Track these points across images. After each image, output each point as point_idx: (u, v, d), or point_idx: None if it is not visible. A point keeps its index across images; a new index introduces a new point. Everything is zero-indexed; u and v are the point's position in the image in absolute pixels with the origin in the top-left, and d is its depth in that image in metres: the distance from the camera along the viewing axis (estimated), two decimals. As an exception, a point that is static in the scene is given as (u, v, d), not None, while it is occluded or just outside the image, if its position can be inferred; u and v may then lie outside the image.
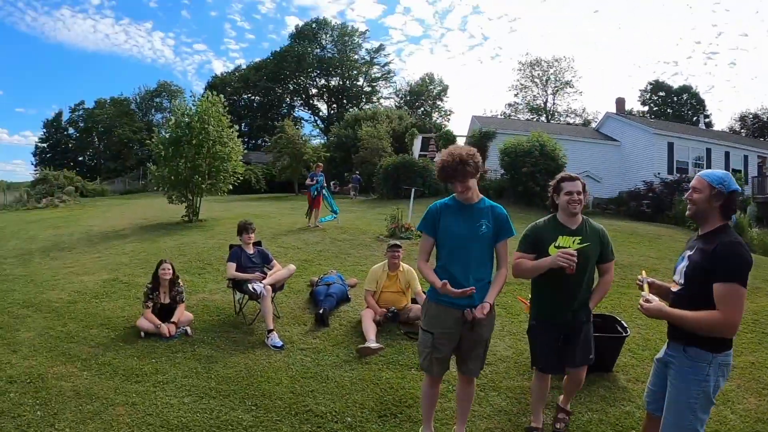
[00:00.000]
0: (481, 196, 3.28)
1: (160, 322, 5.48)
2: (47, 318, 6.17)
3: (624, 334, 4.88)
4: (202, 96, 15.86)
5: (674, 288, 2.68)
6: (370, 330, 5.37)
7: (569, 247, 3.33)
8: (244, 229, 6.23)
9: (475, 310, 3.03)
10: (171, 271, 5.92)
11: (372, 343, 5.13)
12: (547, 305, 3.51)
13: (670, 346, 2.69)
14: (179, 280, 6.11)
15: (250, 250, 6.23)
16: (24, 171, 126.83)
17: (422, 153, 27.87)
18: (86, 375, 4.54)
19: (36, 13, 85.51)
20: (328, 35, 60.32)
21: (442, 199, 3.33)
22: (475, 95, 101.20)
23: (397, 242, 6.29)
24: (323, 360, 4.97)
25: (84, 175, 44.45)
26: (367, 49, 62.18)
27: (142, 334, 5.46)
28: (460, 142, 28.30)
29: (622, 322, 5.12)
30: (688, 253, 2.64)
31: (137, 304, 6.39)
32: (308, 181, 13.37)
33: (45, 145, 59.15)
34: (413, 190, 13.87)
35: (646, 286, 2.76)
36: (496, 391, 4.40)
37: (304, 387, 4.40)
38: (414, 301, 6.08)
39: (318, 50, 59.42)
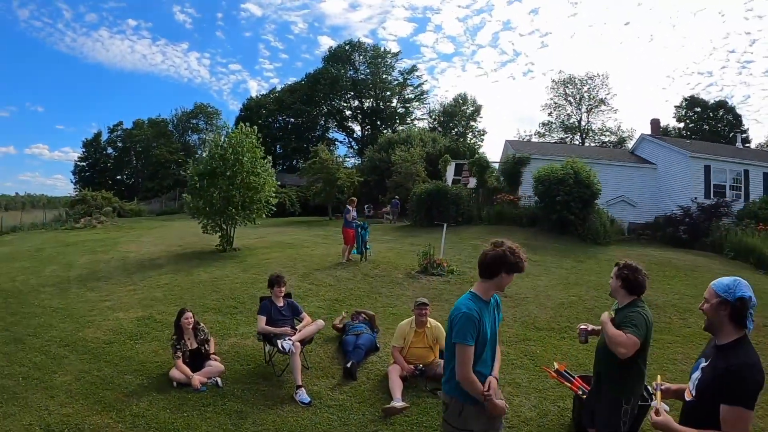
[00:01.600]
0: None
1: (191, 374, 5.65)
2: (83, 360, 6.43)
3: (649, 402, 4.74)
4: (235, 128, 16.29)
5: (688, 397, 2.67)
6: (396, 388, 5.41)
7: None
8: (276, 282, 6.34)
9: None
10: (192, 319, 6.14)
11: (398, 402, 5.17)
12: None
13: None
14: (200, 324, 6.33)
15: (280, 303, 6.35)
16: (64, 186, 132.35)
17: (455, 178, 27.80)
18: (120, 427, 4.73)
19: (75, 34, 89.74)
20: (361, 57, 60.93)
21: (468, 300, 3.07)
22: (510, 113, 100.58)
23: (425, 300, 6.27)
24: (349, 419, 5.04)
25: (122, 194, 46.09)
26: (399, 71, 62.61)
27: (174, 384, 5.64)
28: (494, 166, 28.25)
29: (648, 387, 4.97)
30: (703, 363, 2.63)
31: (169, 347, 6.56)
32: (349, 216, 13.33)
33: (84, 163, 61.46)
34: (445, 225, 13.83)
35: (658, 394, 2.76)
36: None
37: (330, 451, 4.47)
38: (442, 355, 6.08)
39: (351, 72, 60.06)
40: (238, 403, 5.32)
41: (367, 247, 13.39)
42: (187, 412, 5.09)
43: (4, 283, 11.19)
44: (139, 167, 61.24)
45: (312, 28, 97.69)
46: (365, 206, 31.98)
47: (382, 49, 62.38)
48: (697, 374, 2.63)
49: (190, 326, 6.07)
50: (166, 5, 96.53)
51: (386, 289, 10.33)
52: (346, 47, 60.59)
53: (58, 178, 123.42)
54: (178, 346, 5.88)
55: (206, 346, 6.13)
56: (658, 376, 2.94)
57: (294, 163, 59.09)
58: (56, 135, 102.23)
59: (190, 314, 6.14)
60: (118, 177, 62.47)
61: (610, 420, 3.63)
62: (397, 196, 28.72)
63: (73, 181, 61.16)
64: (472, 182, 25.33)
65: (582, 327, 3.97)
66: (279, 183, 19.81)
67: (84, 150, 61.69)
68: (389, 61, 61.65)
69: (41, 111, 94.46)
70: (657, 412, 2.55)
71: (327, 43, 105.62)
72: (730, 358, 2.45)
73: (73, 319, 8.27)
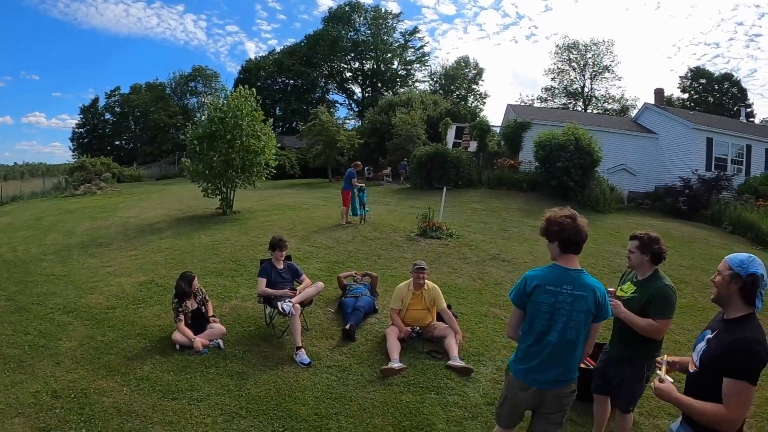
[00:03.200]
0: None
1: (193, 336, 5.75)
2: (87, 326, 6.51)
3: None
4: (234, 90, 16.16)
5: (691, 368, 2.71)
6: (394, 349, 5.53)
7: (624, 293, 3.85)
8: (277, 245, 6.38)
9: None
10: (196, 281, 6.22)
11: (395, 364, 5.30)
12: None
13: (682, 423, 2.73)
14: (200, 286, 6.40)
15: (281, 266, 6.41)
16: (62, 153, 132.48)
17: (456, 141, 27.62)
18: (126, 390, 4.83)
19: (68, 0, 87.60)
20: (361, 18, 59.90)
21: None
22: (512, 77, 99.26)
23: (423, 265, 6.28)
24: (348, 379, 5.16)
25: (121, 159, 45.83)
26: (401, 32, 61.70)
27: (177, 347, 5.74)
28: (495, 130, 28.07)
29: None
30: (709, 334, 2.65)
31: (171, 310, 6.62)
32: (355, 180, 13.20)
33: (82, 130, 60.89)
34: (445, 189, 13.84)
35: (664, 368, 2.79)
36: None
37: (329, 409, 4.60)
38: (440, 318, 6.18)
39: (352, 33, 59.13)
40: (239, 365, 5.43)
41: (366, 209, 13.44)
42: (190, 373, 5.20)
43: (6, 253, 11.24)
44: (137, 132, 60.75)
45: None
46: (365, 168, 31.88)
47: (383, 10, 61.58)
48: (702, 345, 2.66)
49: (194, 290, 6.15)
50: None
51: (385, 251, 10.41)
52: (346, 8, 59.55)
53: (56, 145, 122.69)
54: (180, 309, 5.94)
55: (205, 306, 6.22)
56: (665, 354, 2.97)
57: (294, 125, 58.78)
58: (53, 102, 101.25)
59: (195, 280, 6.19)
60: (117, 143, 62.06)
61: (636, 387, 3.76)
62: (405, 159, 28.65)
63: (72, 148, 60.82)
64: (473, 146, 25.25)
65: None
66: (279, 145, 19.72)
67: (81, 116, 61.03)
68: (390, 22, 60.78)
69: (37, 79, 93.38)
70: (661, 381, 2.61)
71: (326, 3, 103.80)
72: (737, 332, 2.47)
73: (76, 285, 8.33)
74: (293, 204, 17.39)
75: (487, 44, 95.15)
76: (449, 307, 6.45)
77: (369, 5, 61.37)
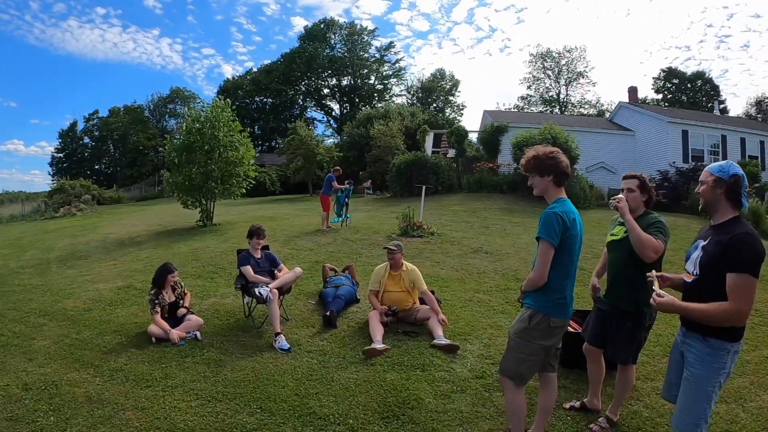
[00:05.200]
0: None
1: (169, 328, 5.60)
2: (63, 326, 6.32)
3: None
4: (212, 102, 16.04)
5: (688, 278, 2.73)
6: (376, 331, 5.41)
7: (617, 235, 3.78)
8: (255, 233, 6.30)
9: None
10: (176, 278, 6.12)
11: (378, 345, 5.18)
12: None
13: (687, 335, 2.73)
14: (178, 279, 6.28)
15: (258, 255, 6.30)
16: (41, 181, 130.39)
17: (435, 150, 27.74)
18: (98, 381, 4.66)
19: (43, 26, 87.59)
20: (336, 35, 60.44)
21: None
22: (487, 89, 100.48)
23: (393, 246, 6.13)
24: (329, 362, 5.03)
25: (101, 183, 45.51)
26: (376, 47, 62.23)
27: (153, 339, 5.58)
28: (473, 137, 28.23)
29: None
30: (702, 242, 2.69)
31: (147, 303, 6.43)
32: (335, 183, 13.35)
33: (61, 155, 60.68)
34: (423, 188, 13.83)
35: (656, 283, 2.79)
36: (500, 392, 4.34)
37: (309, 389, 4.46)
38: (422, 301, 6.08)
39: (328, 50, 59.48)
40: (216, 353, 5.27)
41: (348, 215, 13.36)
42: (165, 363, 5.04)
43: None
44: (117, 155, 60.54)
45: (284, 9, 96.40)
46: (345, 181, 31.76)
47: (358, 26, 61.97)
48: (697, 253, 2.70)
49: (172, 284, 6.02)
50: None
51: (366, 250, 10.31)
52: (322, 26, 60.14)
53: (35, 173, 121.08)
54: (157, 301, 5.80)
55: (182, 300, 6.07)
56: (653, 270, 2.92)
57: (273, 144, 58.78)
58: (31, 129, 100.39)
59: (176, 272, 6.10)
60: (96, 167, 61.69)
61: (637, 335, 3.66)
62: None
63: (51, 172, 60.56)
64: (452, 153, 25.37)
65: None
66: (259, 164, 19.62)
67: (60, 141, 60.97)
68: (365, 38, 61.41)
69: (15, 106, 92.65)
70: (660, 296, 2.59)
71: (300, 23, 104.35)
72: (730, 231, 2.52)
73: (53, 293, 8.10)
74: (274, 215, 17.23)
75: (461, 58, 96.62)
76: (432, 292, 6.34)
77: (344, 23, 62.06)
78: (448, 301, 6.90)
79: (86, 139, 61.76)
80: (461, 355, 5.15)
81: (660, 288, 2.74)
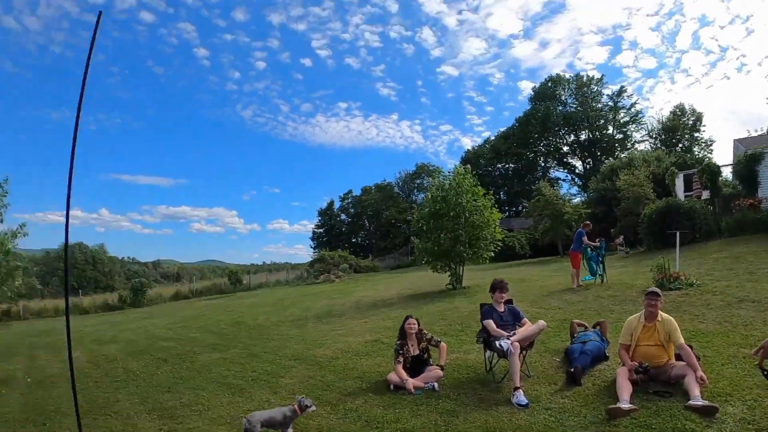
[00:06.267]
0: None
1: (407, 377, 6.02)
2: (310, 369, 7.32)
3: None
4: (454, 169, 17.18)
5: None
6: (624, 389, 4.99)
7: None
8: (498, 286, 6.49)
9: None
10: (416, 325, 6.52)
11: (624, 404, 4.77)
12: None
13: None
14: (424, 331, 6.66)
15: (501, 308, 6.43)
16: (304, 254, 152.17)
17: (687, 194, 25.08)
18: (333, 417, 5.27)
19: (295, 123, 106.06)
20: (566, 90, 59.50)
21: None
22: (733, 116, 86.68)
23: (656, 290, 5.70)
24: (567, 420, 4.80)
25: (357, 254, 51.01)
26: (608, 95, 59.18)
27: (392, 387, 6.06)
28: (725, 171, 24.78)
29: None
30: None
31: (392, 353, 6.89)
32: (584, 239, 13.16)
33: (321, 230, 70.31)
34: (678, 234, 12.49)
35: None
36: None
37: (543, 450, 4.31)
38: (678, 357, 5.44)
39: (560, 107, 58.79)
40: (451, 404, 5.45)
41: (603, 273, 12.71)
42: (399, 409, 5.40)
43: (248, 320, 13.36)
44: (371, 229, 67.47)
45: (509, 75, 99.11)
46: (596, 239, 30.14)
47: (585, 77, 59.96)
48: None
49: (413, 332, 6.46)
50: (369, 84, 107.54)
51: (618, 306, 9.71)
52: (549, 84, 59.97)
53: (299, 247, 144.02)
54: (401, 351, 6.29)
55: (428, 354, 6.43)
56: None
57: (519, 208, 59.09)
58: (293, 211, 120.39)
59: (414, 320, 6.56)
60: (353, 239, 69.71)
61: None
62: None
63: (312, 246, 70.05)
64: (705, 194, 22.56)
65: None
66: (507, 228, 20.00)
67: (320, 218, 70.67)
68: (595, 88, 59.23)
69: (278, 192, 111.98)
70: None
71: (528, 86, 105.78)
72: None
73: (306, 342, 9.42)
74: (523, 277, 17.17)
75: (698, 88, 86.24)
76: (690, 347, 5.62)
77: (570, 77, 60.88)
78: (708, 358, 6.03)
79: (342, 216, 70.72)
80: (719, 419, 4.43)
81: None
